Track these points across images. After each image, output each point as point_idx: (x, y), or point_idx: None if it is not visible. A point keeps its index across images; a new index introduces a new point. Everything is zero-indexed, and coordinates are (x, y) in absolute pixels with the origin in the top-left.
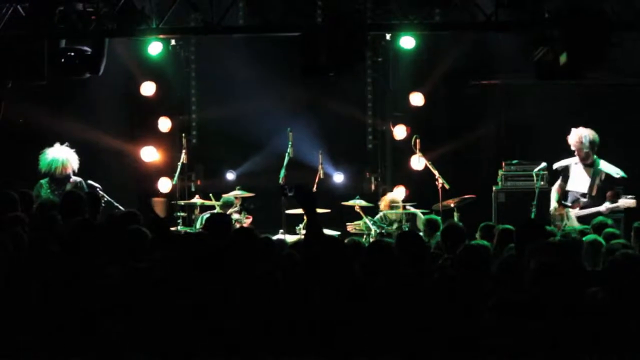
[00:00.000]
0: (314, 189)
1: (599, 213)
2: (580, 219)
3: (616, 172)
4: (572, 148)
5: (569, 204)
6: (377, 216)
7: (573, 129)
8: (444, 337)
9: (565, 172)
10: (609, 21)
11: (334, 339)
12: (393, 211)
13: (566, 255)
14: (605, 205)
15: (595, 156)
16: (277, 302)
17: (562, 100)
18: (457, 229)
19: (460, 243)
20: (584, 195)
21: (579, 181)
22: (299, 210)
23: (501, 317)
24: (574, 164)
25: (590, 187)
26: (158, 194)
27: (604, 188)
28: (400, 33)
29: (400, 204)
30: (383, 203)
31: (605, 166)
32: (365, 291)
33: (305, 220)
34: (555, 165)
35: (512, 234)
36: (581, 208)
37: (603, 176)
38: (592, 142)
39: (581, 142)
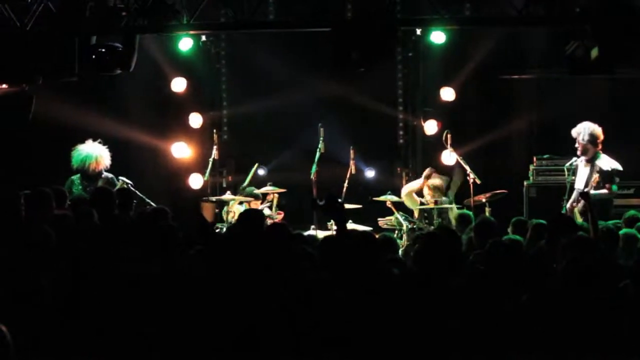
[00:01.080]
0: (345, 184)
1: (596, 197)
2: (582, 213)
3: (610, 165)
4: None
5: (574, 203)
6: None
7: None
8: (474, 335)
9: (575, 171)
10: None
11: (365, 336)
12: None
13: (600, 249)
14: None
15: (598, 152)
16: (309, 297)
17: (594, 95)
18: (490, 224)
19: (494, 238)
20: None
21: (580, 178)
22: None
23: (534, 313)
24: (580, 162)
25: (587, 183)
26: (202, 197)
27: (601, 183)
28: (431, 28)
29: (443, 187)
30: (428, 183)
31: (602, 161)
32: (399, 287)
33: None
34: (567, 165)
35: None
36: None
37: (601, 169)
38: (591, 135)
39: (579, 134)
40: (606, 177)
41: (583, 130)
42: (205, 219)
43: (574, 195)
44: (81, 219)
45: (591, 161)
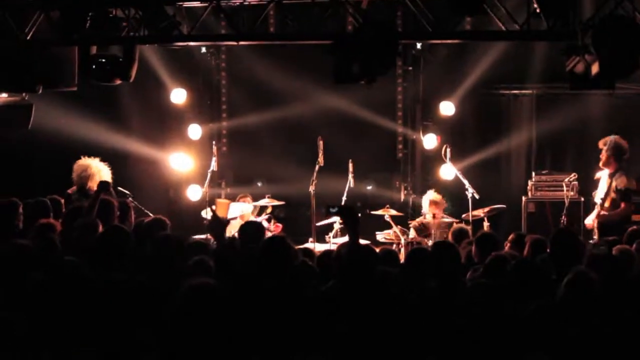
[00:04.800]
0: (344, 197)
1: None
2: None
3: (624, 184)
4: None
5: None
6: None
7: None
8: (477, 348)
9: (597, 183)
10: None
11: (366, 351)
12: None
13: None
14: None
15: (619, 169)
16: (312, 311)
17: (594, 110)
18: (491, 238)
19: (496, 251)
20: (599, 204)
21: (600, 190)
22: (328, 220)
23: (538, 327)
24: (604, 173)
25: (604, 198)
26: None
27: (617, 201)
28: (431, 42)
29: (443, 203)
30: (428, 201)
31: (619, 179)
32: (399, 304)
33: (334, 230)
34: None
35: (543, 244)
36: (598, 216)
37: (616, 188)
38: (614, 148)
39: (604, 144)
40: (622, 195)
41: (608, 142)
42: (219, 216)
43: (596, 211)
44: (75, 229)
45: (612, 176)
